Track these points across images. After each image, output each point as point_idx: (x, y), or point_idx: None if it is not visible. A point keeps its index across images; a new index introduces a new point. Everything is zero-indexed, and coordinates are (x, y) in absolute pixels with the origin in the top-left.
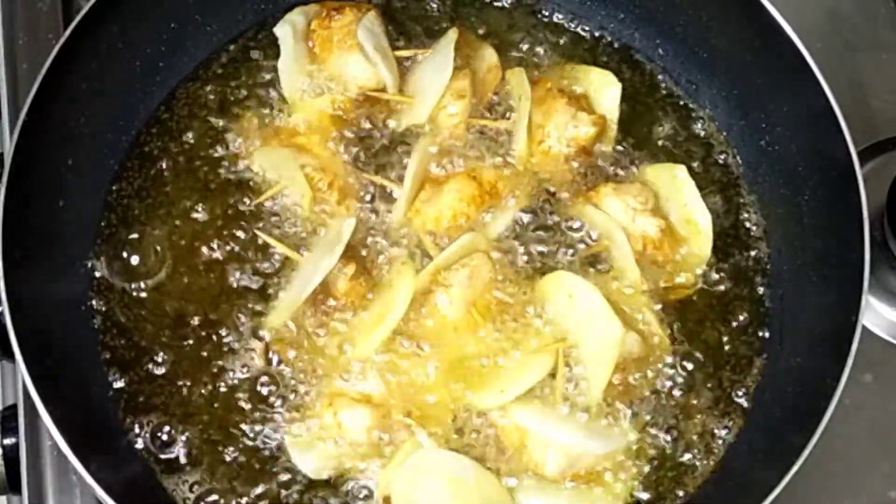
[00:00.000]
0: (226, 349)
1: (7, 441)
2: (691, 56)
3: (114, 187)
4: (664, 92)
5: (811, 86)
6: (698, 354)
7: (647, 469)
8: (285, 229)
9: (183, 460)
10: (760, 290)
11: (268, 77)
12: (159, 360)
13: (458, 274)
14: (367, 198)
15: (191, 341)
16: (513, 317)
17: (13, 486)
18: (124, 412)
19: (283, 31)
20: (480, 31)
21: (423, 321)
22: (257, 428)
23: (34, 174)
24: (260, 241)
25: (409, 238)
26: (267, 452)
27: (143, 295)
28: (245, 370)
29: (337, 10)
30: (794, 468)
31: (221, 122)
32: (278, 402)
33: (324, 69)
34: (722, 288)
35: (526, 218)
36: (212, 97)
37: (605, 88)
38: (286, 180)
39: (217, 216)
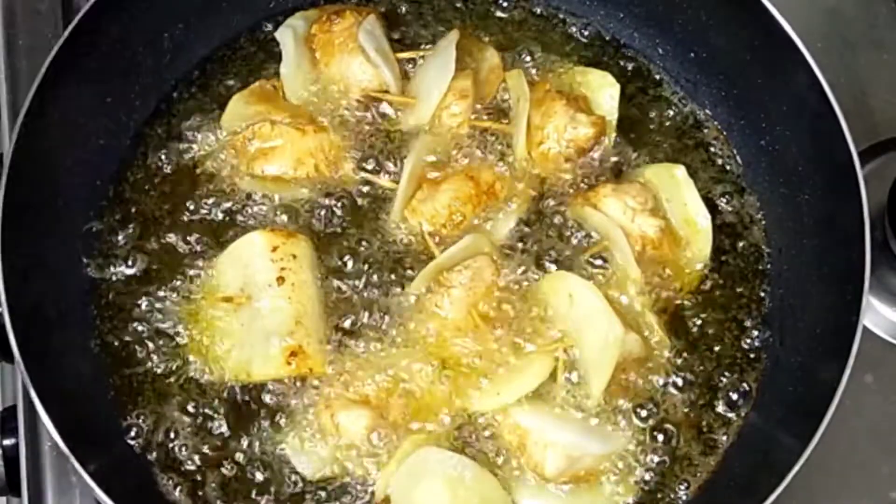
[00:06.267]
0: None
1: (7, 442)
2: (691, 56)
3: (114, 187)
4: (663, 92)
5: (811, 86)
6: (698, 355)
7: (647, 469)
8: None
9: (182, 461)
10: (760, 289)
11: (269, 78)
12: (159, 360)
13: (461, 275)
14: (368, 198)
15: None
16: (513, 318)
17: (13, 487)
18: (124, 412)
19: (284, 35)
20: (480, 33)
21: (424, 321)
22: (256, 429)
23: (34, 174)
24: None
25: (409, 238)
26: (266, 453)
27: (143, 295)
28: None
29: (337, 13)
30: (795, 468)
31: (221, 123)
32: (277, 403)
33: (326, 73)
34: (722, 288)
35: (525, 219)
36: (211, 98)
37: (603, 89)
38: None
39: (218, 215)
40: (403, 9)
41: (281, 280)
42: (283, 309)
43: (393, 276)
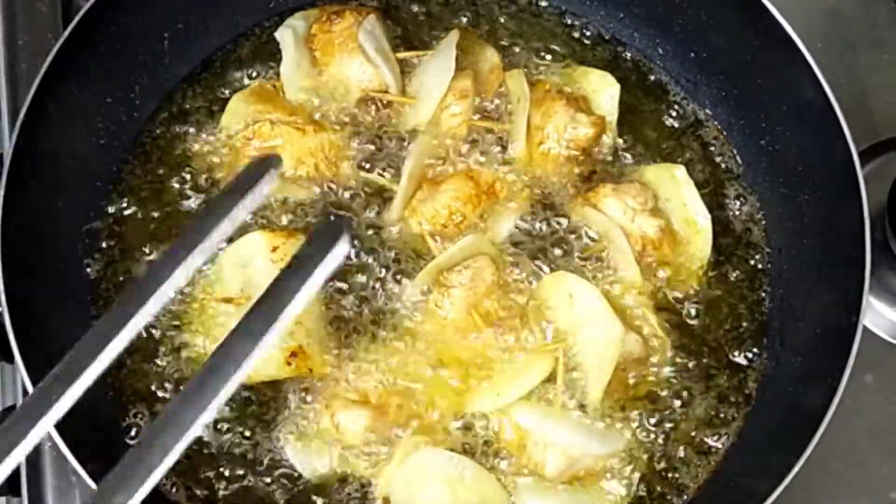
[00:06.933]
0: None
1: None
2: (691, 56)
3: (114, 187)
4: (663, 92)
5: (811, 86)
6: (698, 355)
7: (646, 470)
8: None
9: (182, 461)
10: (760, 290)
11: (269, 78)
12: (159, 360)
13: (461, 276)
14: (368, 198)
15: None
16: (513, 318)
17: (12, 487)
18: (124, 412)
19: (283, 35)
20: (480, 32)
21: (424, 321)
22: (256, 429)
23: (34, 174)
24: None
25: (409, 238)
26: (265, 454)
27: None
28: None
29: (337, 13)
30: (795, 469)
31: (221, 123)
32: (277, 404)
33: (326, 72)
34: (722, 288)
35: (526, 219)
36: (211, 98)
37: (603, 89)
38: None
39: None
40: (404, 8)
41: None
42: None
43: (393, 277)
